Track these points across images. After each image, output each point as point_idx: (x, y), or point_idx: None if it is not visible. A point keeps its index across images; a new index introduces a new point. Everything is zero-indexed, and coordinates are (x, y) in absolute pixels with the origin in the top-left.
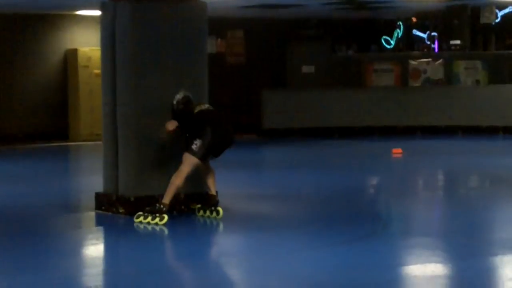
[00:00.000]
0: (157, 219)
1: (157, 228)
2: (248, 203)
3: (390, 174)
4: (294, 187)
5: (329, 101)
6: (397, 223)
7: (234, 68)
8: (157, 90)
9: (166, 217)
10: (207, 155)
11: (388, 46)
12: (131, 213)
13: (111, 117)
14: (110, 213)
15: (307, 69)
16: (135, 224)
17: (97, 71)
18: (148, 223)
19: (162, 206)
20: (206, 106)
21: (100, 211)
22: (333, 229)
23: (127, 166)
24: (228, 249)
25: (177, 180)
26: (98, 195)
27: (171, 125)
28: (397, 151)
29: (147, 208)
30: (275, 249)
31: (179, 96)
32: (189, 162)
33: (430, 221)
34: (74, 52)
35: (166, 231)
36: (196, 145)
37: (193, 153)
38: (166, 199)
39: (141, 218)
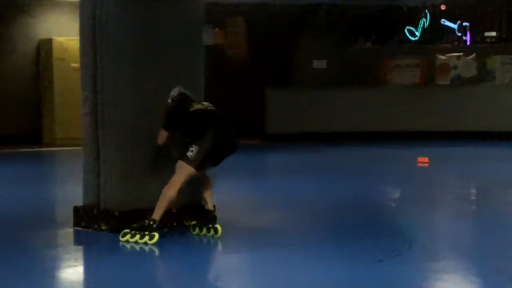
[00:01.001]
0: (146, 238)
1: (146, 248)
2: (251, 215)
3: (414, 184)
4: (303, 198)
5: (342, 102)
6: (424, 241)
7: (234, 62)
8: (147, 85)
9: (156, 235)
10: (204, 163)
11: (412, 38)
12: (116, 230)
13: (92, 116)
14: (91, 230)
15: (318, 64)
16: (120, 243)
17: (75, 64)
18: (136, 242)
19: (151, 223)
20: (205, 104)
21: (79, 228)
22: (349, 247)
23: (110, 174)
24: (227, 270)
25: (169, 192)
26: (76, 209)
27: (160, 138)
28: (423, 160)
29: (134, 225)
30: (281, 270)
31: (173, 93)
32: (183, 171)
33: (461, 240)
34: (48, 43)
35: (156, 251)
36: (192, 151)
37: (188, 161)
38: (157, 214)
39: (128, 237)
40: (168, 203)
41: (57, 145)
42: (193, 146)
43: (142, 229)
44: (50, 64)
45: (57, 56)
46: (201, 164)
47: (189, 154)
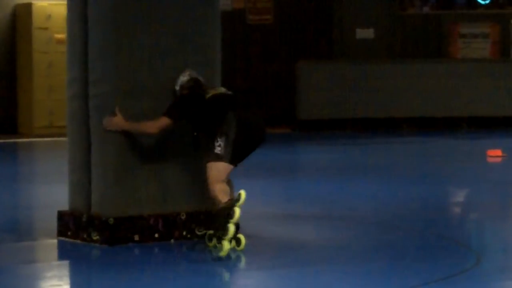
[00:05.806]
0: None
1: (150, 263)
2: (280, 226)
3: (484, 185)
4: (345, 203)
5: (395, 80)
6: (495, 255)
7: (258, 31)
8: (147, 60)
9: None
10: (238, 154)
11: (482, 2)
12: (110, 242)
13: (81, 100)
14: (79, 241)
15: (363, 33)
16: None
17: (60, 35)
18: (215, 246)
19: (223, 206)
20: (222, 90)
21: (64, 238)
22: (400, 265)
23: (103, 172)
24: None
25: (216, 187)
26: (61, 215)
27: (158, 126)
28: (494, 153)
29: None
30: None
31: (183, 78)
32: (218, 173)
33: None
34: (26, 8)
35: (161, 268)
36: (220, 146)
37: (219, 158)
38: (223, 201)
39: (214, 242)
40: (225, 195)
41: (36, 135)
42: (218, 139)
43: (218, 227)
44: (28, 35)
45: (38, 24)
46: (234, 156)
47: (218, 150)
